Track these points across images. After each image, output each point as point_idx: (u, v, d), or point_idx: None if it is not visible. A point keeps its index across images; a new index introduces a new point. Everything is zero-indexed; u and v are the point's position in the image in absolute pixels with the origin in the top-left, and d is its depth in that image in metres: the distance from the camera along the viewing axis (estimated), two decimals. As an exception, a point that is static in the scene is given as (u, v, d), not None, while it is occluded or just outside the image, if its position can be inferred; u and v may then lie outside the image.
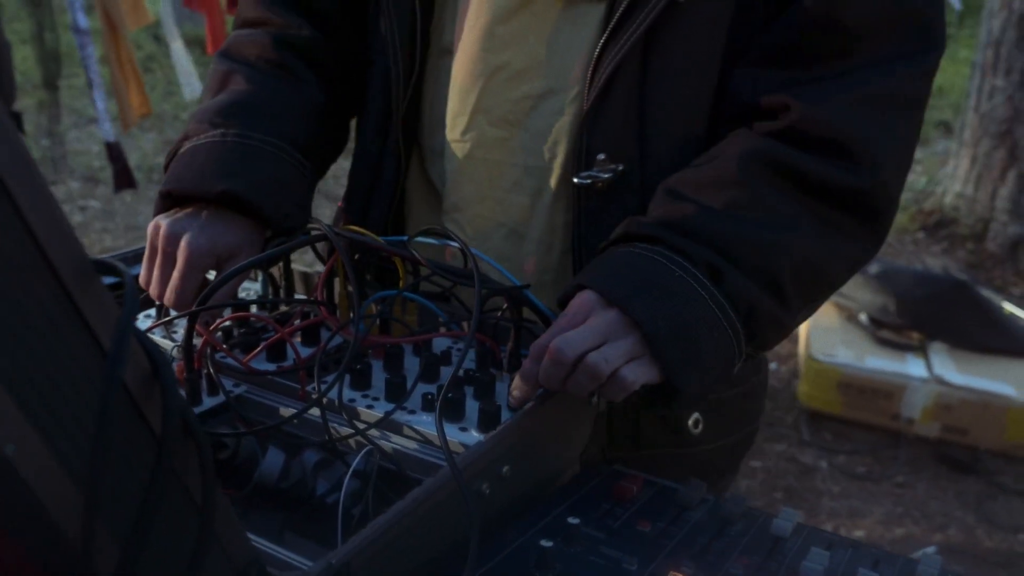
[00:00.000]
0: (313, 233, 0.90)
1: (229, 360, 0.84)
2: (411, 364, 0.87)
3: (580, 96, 0.89)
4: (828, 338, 3.06)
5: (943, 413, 2.85)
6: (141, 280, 0.91)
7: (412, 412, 0.78)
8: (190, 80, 4.07)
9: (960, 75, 6.12)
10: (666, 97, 0.87)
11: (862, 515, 2.60)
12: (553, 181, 0.93)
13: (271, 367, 0.84)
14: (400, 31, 0.95)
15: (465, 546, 0.62)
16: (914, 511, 2.62)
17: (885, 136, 0.83)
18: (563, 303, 0.82)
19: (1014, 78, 4.00)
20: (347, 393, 0.80)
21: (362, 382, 0.82)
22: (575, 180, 0.89)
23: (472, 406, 0.78)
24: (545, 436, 0.78)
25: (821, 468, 2.80)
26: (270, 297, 0.97)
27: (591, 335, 0.75)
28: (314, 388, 0.79)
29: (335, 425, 0.76)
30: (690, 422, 0.97)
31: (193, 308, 0.81)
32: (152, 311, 0.96)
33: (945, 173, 4.47)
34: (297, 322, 0.89)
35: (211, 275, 0.91)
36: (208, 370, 0.81)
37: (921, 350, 3.02)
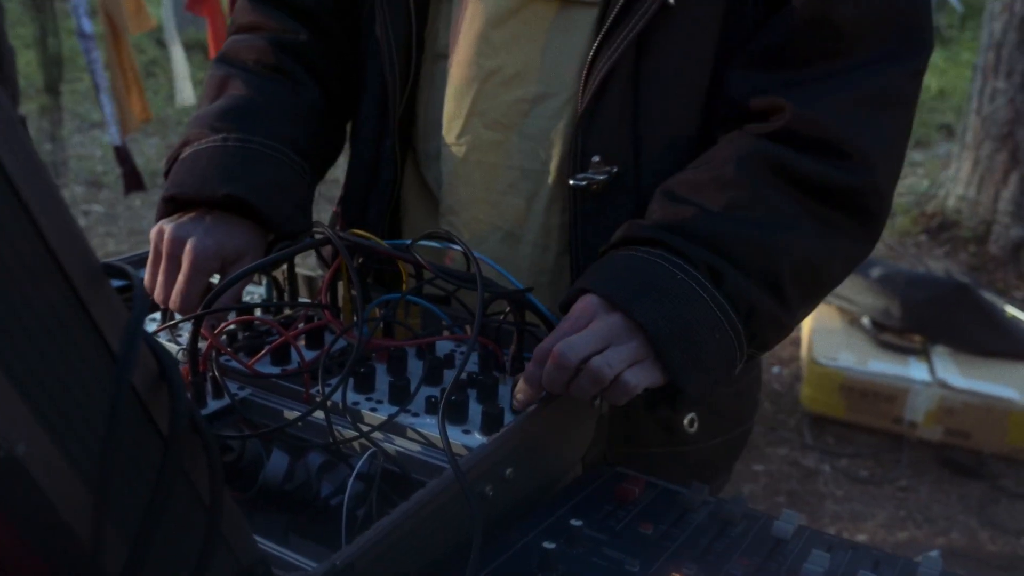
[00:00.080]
0: (317, 237, 0.90)
1: (234, 363, 0.84)
2: (414, 367, 0.87)
3: (574, 99, 0.90)
4: (830, 341, 3.06)
5: (946, 416, 2.85)
6: (146, 284, 0.91)
7: (416, 415, 0.79)
8: (184, 86, 4.09)
9: (962, 78, 6.12)
10: (659, 99, 0.88)
11: (865, 519, 2.60)
12: (548, 183, 0.94)
13: (275, 370, 0.84)
14: (396, 36, 0.96)
15: (468, 548, 0.62)
16: (917, 515, 2.62)
17: (877, 135, 0.84)
18: (565, 307, 0.82)
19: (1015, 80, 4.00)
20: (351, 396, 0.81)
21: (366, 385, 0.82)
22: (571, 182, 0.89)
23: (475, 409, 0.79)
24: (548, 439, 0.79)
25: (824, 471, 2.80)
26: (274, 301, 0.97)
27: (594, 339, 0.75)
28: (318, 391, 0.79)
29: (339, 428, 0.77)
30: (685, 421, 0.97)
31: (198, 312, 0.82)
32: (157, 315, 0.97)
33: (947, 176, 4.47)
34: (301, 325, 0.89)
35: (214, 279, 0.92)
36: (213, 373, 0.82)
37: (923, 353, 3.02)
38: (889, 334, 3.08)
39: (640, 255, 0.80)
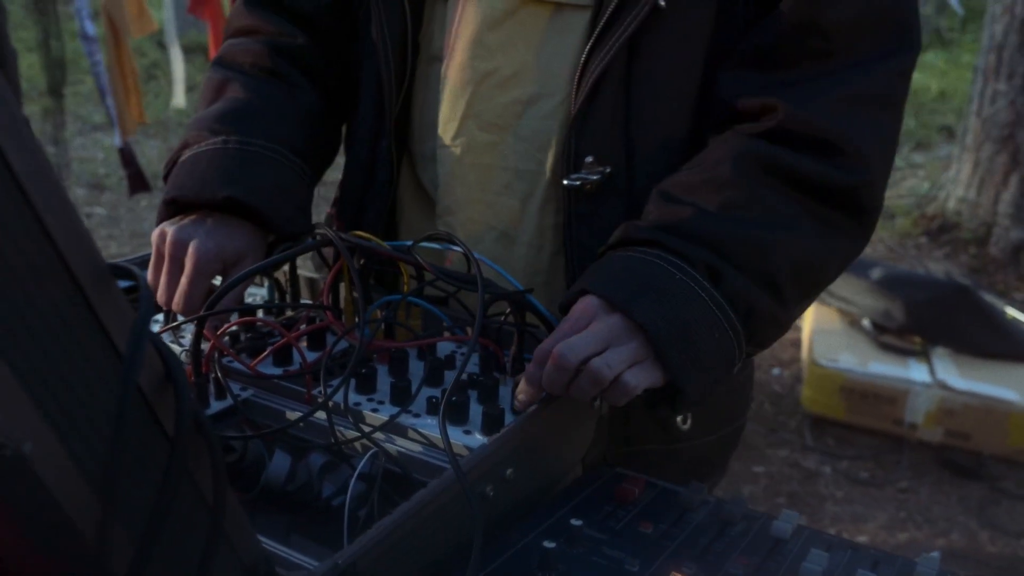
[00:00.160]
0: (319, 238, 0.91)
1: (236, 364, 0.85)
2: (416, 368, 0.88)
3: (568, 100, 0.91)
4: (831, 343, 3.06)
5: (946, 418, 2.85)
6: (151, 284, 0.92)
7: (417, 415, 0.79)
8: (177, 90, 4.11)
9: (963, 80, 6.12)
10: (651, 101, 0.89)
11: (865, 520, 2.60)
12: (542, 184, 0.95)
13: (277, 371, 0.85)
14: (392, 39, 0.97)
15: (469, 548, 0.62)
16: (917, 516, 2.62)
17: (868, 133, 0.85)
18: (565, 309, 0.83)
19: (1016, 83, 4.00)
20: (353, 397, 0.81)
21: (367, 386, 0.83)
22: (565, 182, 0.90)
23: (476, 410, 0.79)
24: (548, 439, 0.79)
25: (824, 473, 2.81)
26: (276, 302, 0.98)
27: (594, 340, 0.76)
28: (320, 392, 0.80)
29: (341, 428, 0.77)
30: (679, 419, 0.98)
31: (201, 313, 0.82)
32: (159, 316, 0.97)
33: (948, 178, 4.47)
34: (303, 327, 0.90)
35: (216, 281, 0.93)
36: (216, 374, 0.82)
37: (924, 355, 3.02)
38: (889, 336, 3.08)
39: (638, 256, 0.81)
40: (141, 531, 0.41)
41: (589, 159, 0.90)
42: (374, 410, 0.80)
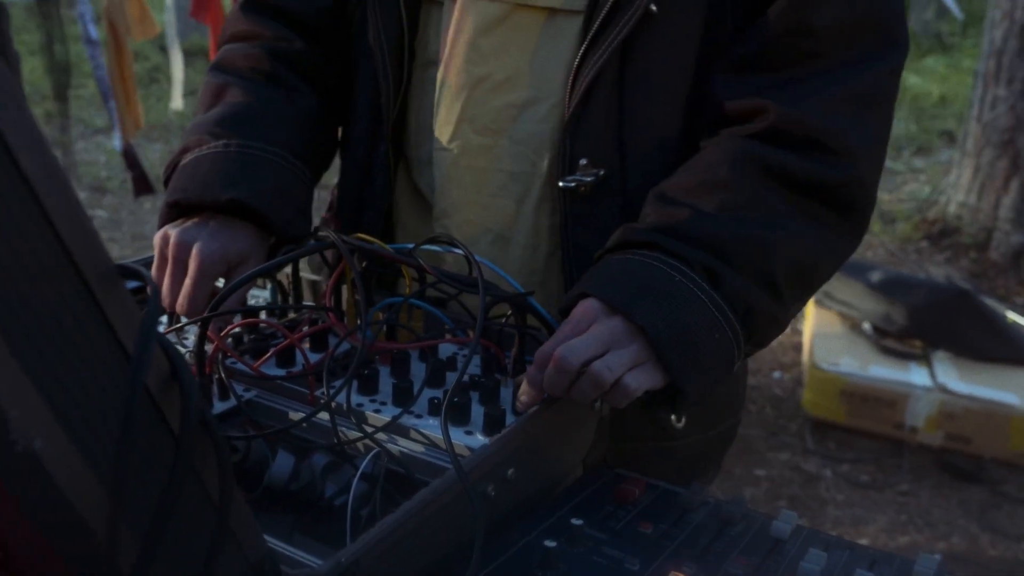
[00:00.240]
0: (322, 241, 0.92)
1: (240, 365, 0.85)
2: (417, 369, 0.88)
3: (561, 104, 0.92)
4: (832, 347, 3.07)
5: (947, 422, 2.85)
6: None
7: (419, 416, 0.80)
8: (175, 93, 4.12)
9: (963, 84, 6.13)
10: (643, 103, 0.91)
11: (866, 523, 2.60)
12: (537, 186, 0.96)
13: (281, 372, 0.86)
14: (388, 44, 0.98)
15: (471, 547, 0.63)
16: (918, 519, 2.62)
17: (860, 132, 0.87)
18: (565, 312, 0.84)
19: (1016, 88, 4.01)
20: (355, 398, 0.82)
21: (370, 387, 0.83)
22: (560, 184, 0.92)
23: (477, 410, 0.80)
24: (549, 440, 0.80)
25: (825, 476, 2.81)
26: (279, 304, 0.98)
27: (594, 343, 0.77)
28: (323, 393, 0.80)
29: (343, 429, 0.78)
30: (673, 416, 0.99)
31: (205, 314, 0.83)
32: (163, 318, 0.98)
33: (948, 182, 4.48)
34: (306, 328, 0.90)
35: (219, 283, 0.93)
36: (219, 375, 0.83)
37: (924, 359, 3.03)
38: (890, 339, 3.08)
39: (637, 258, 0.81)
40: (147, 527, 0.42)
41: (583, 161, 0.91)
42: (376, 411, 0.80)
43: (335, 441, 0.77)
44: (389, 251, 0.88)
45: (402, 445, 0.77)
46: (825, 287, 3.26)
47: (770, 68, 0.88)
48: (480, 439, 0.76)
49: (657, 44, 0.89)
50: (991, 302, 3.35)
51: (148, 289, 0.90)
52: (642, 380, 0.77)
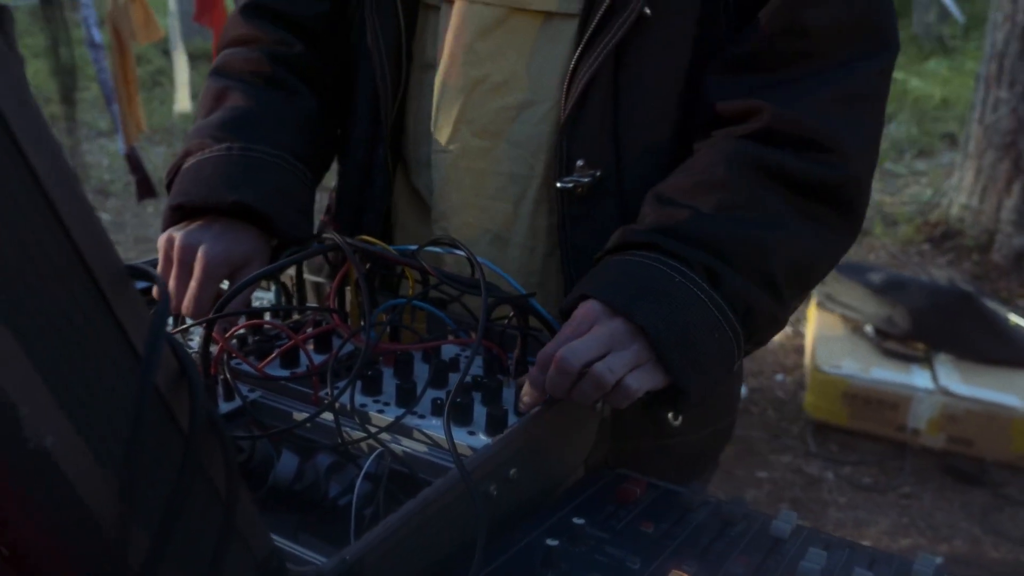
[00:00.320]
0: (325, 243, 0.92)
1: (244, 366, 0.86)
2: (420, 370, 0.89)
3: (558, 106, 0.93)
4: (834, 349, 3.07)
5: (949, 424, 2.85)
6: (158, 294, 0.93)
7: (422, 417, 0.80)
8: (182, 94, 4.14)
9: (965, 87, 6.13)
10: (638, 105, 0.92)
11: (868, 525, 2.61)
12: (534, 187, 0.97)
13: (285, 373, 0.86)
14: (387, 48, 0.99)
15: (473, 546, 0.64)
16: (920, 522, 2.63)
17: (854, 131, 0.88)
18: (566, 313, 0.84)
19: (1018, 90, 4.01)
20: (359, 398, 0.83)
21: (373, 388, 0.84)
22: (558, 185, 0.93)
23: (480, 411, 0.81)
24: (551, 440, 0.80)
25: (827, 479, 2.81)
26: (283, 305, 0.99)
27: (596, 345, 0.77)
28: (327, 393, 0.81)
29: (347, 429, 0.79)
30: (670, 414, 1.00)
31: (210, 316, 0.84)
32: (169, 319, 0.99)
33: (950, 185, 4.48)
34: (310, 330, 0.91)
35: (223, 285, 0.94)
36: (224, 376, 0.84)
37: (927, 361, 3.03)
38: (892, 342, 3.09)
39: (637, 259, 0.82)
40: (156, 524, 0.43)
41: (580, 163, 0.92)
42: (380, 411, 0.81)
43: (339, 441, 0.78)
44: (393, 253, 0.89)
45: (405, 445, 0.78)
46: (827, 290, 3.29)
47: (764, 68, 0.89)
48: (482, 439, 0.77)
49: (651, 46, 0.90)
50: (993, 304, 3.35)
51: (154, 290, 0.91)
52: (643, 381, 0.78)
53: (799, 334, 3.58)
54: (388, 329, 0.92)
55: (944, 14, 7.29)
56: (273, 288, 1.01)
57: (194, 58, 4.45)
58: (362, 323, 0.85)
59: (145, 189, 3.78)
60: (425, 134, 1.02)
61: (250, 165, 0.95)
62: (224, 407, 0.83)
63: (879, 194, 5.09)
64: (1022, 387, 2.88)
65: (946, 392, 2.86)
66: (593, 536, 0.72)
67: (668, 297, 0.79)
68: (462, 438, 0.77)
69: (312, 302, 1.05)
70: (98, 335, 0.39)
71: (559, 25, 0.93)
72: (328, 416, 0.79)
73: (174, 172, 0.99)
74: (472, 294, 0.88)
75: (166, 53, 6.56)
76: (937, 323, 3.06)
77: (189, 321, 0.92)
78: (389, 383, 0.85)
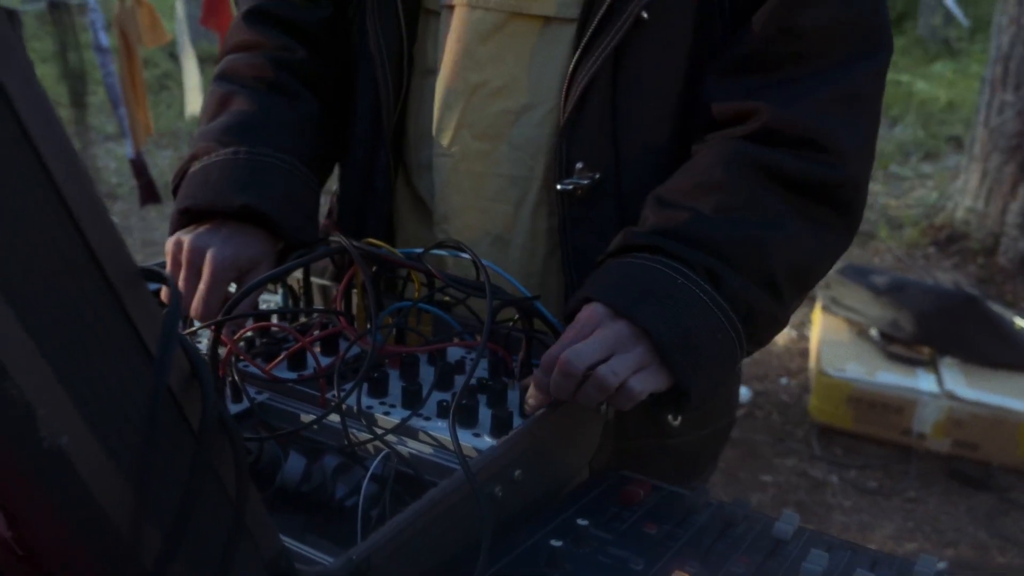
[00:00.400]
0: (332, 246, 0.93)
1: (252, 368, 0.87)
2: (426, 373, 0.90)
3: (557, 109, 0.94)
4: (839, 353, 3.07)
5: (954, 428, 2.85)
6: (166, 295, 0.94)
7: (427, 419, 0.81)
8: (193, 98, 4.15)
9: (971, 90, 6.13)
10: (637, 107, 0.93)
11: (873, 530, 2.60)
12: (534, 190, 0.98)
13: (292, 375, 0.87)
14: (388, 54, 1.00)
15: (478, 546, 0.64)
16: (925, 526, 2.62)
17: (850, 131, 0.89)
18: (569, 316, 0.85)
19: (1023, 93, 4.01)
20: (365, 400, 0.83)
21: (379, 390, 0.85)
22: (558, 187, 0.94)
23: (485, 413, 0.81)
24: (555, 442, 0.81)
25: (832, 483, 2.81)
26: (290, 308, 1.00)
27: (599, 347, 0.78)
28: (333, 395, 0.82)
29: (354, 431, 0.79)
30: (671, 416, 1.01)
31: (219, 318, 0.85)
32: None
33: (955, 188, 4.48)
34: (317, 332, 0.92)
35: (231, 288, 0.95)
36: (232, 378, 0.84)
37: (932, 365, 3.03)
38: (897, 345, 3.08)
39: (639, 262, 0.83)
40: (168, 523, 0.44)
41: (579, 165, 0.93)
42: (386, 413, 0.82)
43: (346, 443, 0.79)
44: (399, 256, 0.89)
45: (411, 447, 0.79)
46: (832, 293, 3.29)
47: (761, 70, 0.90)
48: (488, 441, 0.78)
49: (649, 49, 0.91)
50: (999, 308, 3.35)
51: (162, 293, 0.92)
52: (646, 383, 0.79)
53: (804, 337, 3.58)
54: (394, 332, 0.92)
55: (950, 17, 7.29)
56: (280, 291, 1.02)
57: (200, 61, 4.47)
58: (368, 326, 0.86)
59: (149, 194, 3.80)
60: (426, 138, 1.03)
61: (256, 169, 0.96)
62: (232, 409, 0.83)
63: (884, 197, 5.09)
64: (1028, 391, 2.88)
65: (951, 396, 2.86)
66: (597, 537, 0.73)
67: (671, 299, 0.80)
68: (467, 440, 0.77)
69: (318, 305, 1.06)
70: (112, 336, 0.40)
71: (558, 29, 0.94)
72: (335, 418, 0.79)
73: (180, 176, 1.00)
74: (477, 297, 0.89)
75: (172, 56, 6.58)
76: (942, 327, 3.06)
77: (197, 323, 0.93)
78: (395, 385, 0.86)
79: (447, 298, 0.98)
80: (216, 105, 1.04)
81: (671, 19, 0.90)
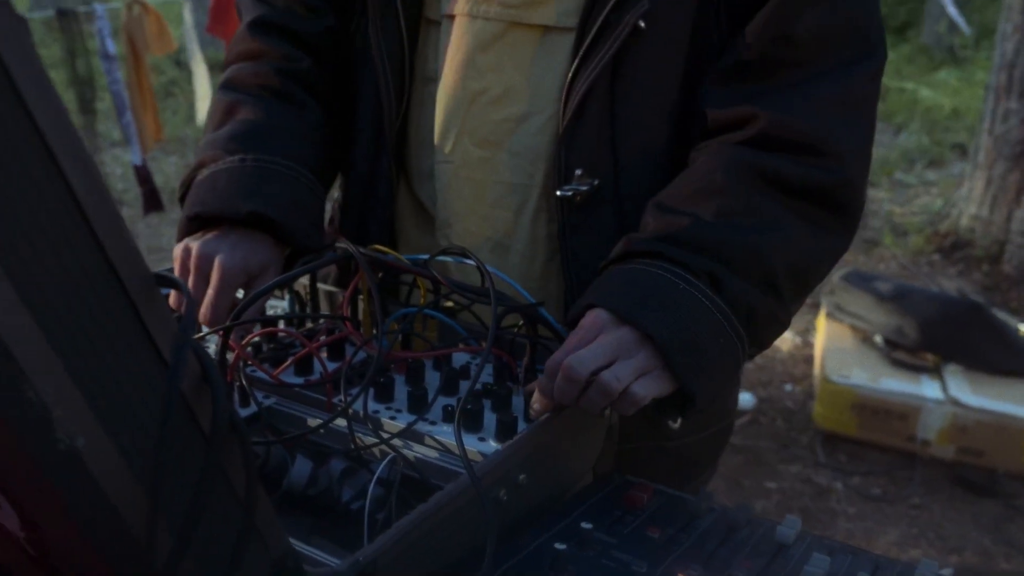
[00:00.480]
0: (338, 252, 0.94)
1: (259, 373, 0.88)
2: (432, 378, 0.91)
3: (556, 117, 0.96)
4: (843, 359, 3.07)
5: (959, 435, 2.85)
6: (174, 300, 0.95)
7: (433, 423, 0.82)
8: (203, 106, 4.18)
9: (975, 97, 6.13)
10: (634, 115, 0.94)
11: (877, 536, 2.60)
12: (534, 196, 0.99)
13: (299, 380, 0.88)
14: (390, 62, 1.02)
15: (483, 550, 0.65)
16: (930, 533, 2.62)
17: (847, 134, 0.90)
18: (573, 322, 0.86)
19: (1028, 101, 4.02)
20: (371, 405, 0.84)
21: (385, 394, 0.85)
22: (558, 193, 0.95)
23: (490, 417, 0.82)
24: (559, 447, 0.82)
25: (836, 489, 2.81)
26: (297, 313, 1.01)
27: (602, 353, 0.79)
28: (340, 400, 0.83)
29: (360, 435, 0.80)
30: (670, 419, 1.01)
31: (227, 323, 0.86)
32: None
33: (960, 195, 4.48)
34: (323, 337, 0.93)
35: (238, 294, 0.96)
36: (240, 382, 0.85)
37: (936, 372, 3.03)
38: (902, 352, 3.08)
39: (641, 268, 0.84)
40: (179, 523, 0.44)
41: (578, 171, 0.94)
42: (392, 418, 0.82)
43: (352, 447, 0.79)
44: (406, 263, 0.90)
45: (417, 451, 0.80)
46: (836, 300, 3.29)
47: (757, 76, 0.91)
48: (492, 445, 0.78)
49: (646, 58, 0.92)
50: (1003, 315, 3.35)
51: (172, 297, 0.93)
52: (650, 388, 0.79)
53: (808, 344, 3.58)
54: (400, 337, 0.93)
55: (954, 24, 7.29)
56: (287, 296, 1.03)
57: (208, 68, 4.50)
58: (374, 331, 0.87)
59: (152, 202, 3.82)
60: (427, 145, 1.04)
61: (263, 176, 0.98)
62: (240, 413, 0.84)
63: (889, 204, 5.09)
64: (1032, 398, 2.88)
65: (956, 403, 2.86)
66: (600, 541, 0.73)
67: (673, 304, 0.80)
68: (473, 444, 0.78)
69: (325, 310, 1.07)
70: (126, 340, 0.41)
71: (557, 39, 0.95)
72: (341, 422, 0.80)
73: (187, 184, 1.01)
74: (482, 303, 0.90)
75: (179, 64, 6.62)
76: (947, 334, 3.06)
77: (206, 329, 0.94)
78: (401, 390, 0.87)
79: (451, 303, 0.99)
80: (222, 114, 1.06)
81: (668, 28, 0.91)
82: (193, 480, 0.45)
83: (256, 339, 0.94)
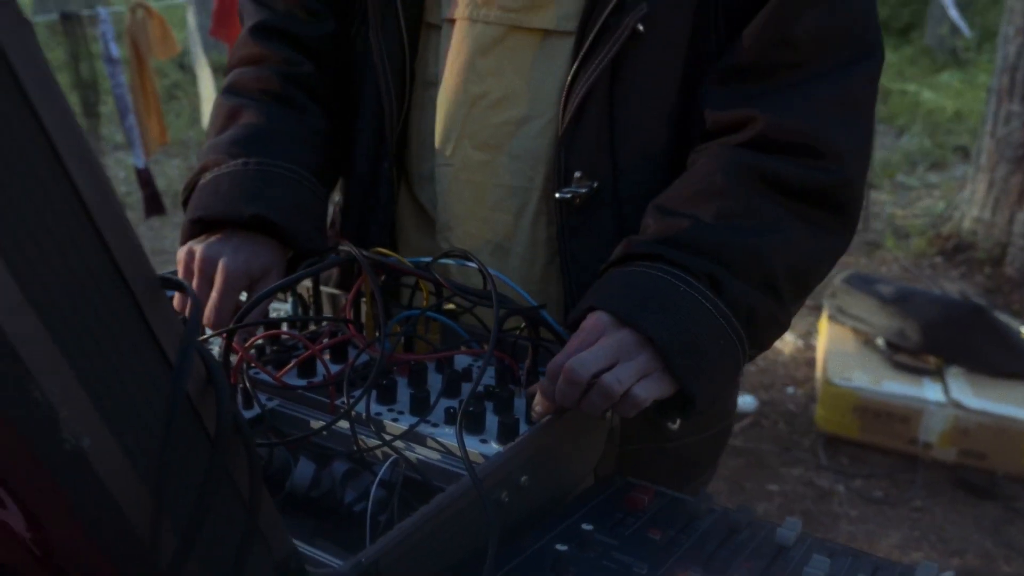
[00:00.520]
0: (341, 255, 0.95)
1: (263, 376, 0.88)
2: (434, 380, 0.91)
3: (556, 120, 0.96)
4: (845, 362, 3.07)
5: (960, 437, 2.85)
6: (177, 303, 0.96)
7: (435, 425, 0.82)
8: (207, 108, 4.19)
9: (978, 100, 6.13)
10: (633, 118, 0.95)
11: (879, 539, 2.60)
12: (534, 199, 1.00)
13: (302, 382, 0.89)
14: (391, 66, 1.02)
15: (485, 552, 0.65)
16: (931, 535, 2.62)
17: (845, 135, 0.90)
18: (574, 325, 0.86)
19: (1030, 103, 4.02)
20: (374, 407, 0.85)
21: (388, 397, 0.86)
22: (557, 195, 0.95)
23: (492, 420, 0.82)
24: (561, 449, 0.82)
25: (838, 492, 2.81)
26: (300, 315, 1.02)
27: (603, 355, 0.79)
28: (343, 402, 0.83)
29: (363, 437, 0.81)
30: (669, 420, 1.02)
31: (231, 326, 0.86)
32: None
33: (962, 198, 4.48)
34: (326, 340, 0.93)
35: (242, 296, 0.96)
36: (244, 385, 0.86)
37: (938, 374, 3.02)
38: (904, 355, 3.08)
39: (641, 270, 0.84)
40: (184, 524, 0.45)
41: (578, 174, 0.95)
42: (394, 420, 0.83)
43: (354, 449, 0.80)
44: (408, 265, 0.91)
45: (419, 453, 0.80)
46: (838, 302, 3.29)
47: (755, 78, 0.91)
48: (494, 447, 0.79)
49: (645, 61, 0.93)
50: (1005, 318, 3.34)
51: (176, 300, 0.93)
52: (651, 390, 0.80)
53: (810, 347, 3.58)
54: (402, 340, 0.94)
55: (954, 28, 7.29)
56: (290, 299, 1.04)
57: (211, 71, 4.51)
58: (377, 334, 0.88)
59: (153, 206, 3.82)
60: (428, 148, 1.05)
61: (266, 179, 0.98)
62: (244, 415, 0.85)
63: (891, 207, 5.09)
64: (1034, 400, 2.88)
65: (958, 405, 2.86)
66: (602, 542, 0.74)
67: (674, 306, 0.81)
68: (474, 446, 0.79)
69: (327, 313, 1.08)
70: (132, 342, 0.42)
71: (556, 42, 0.96)
72: (344, 424, 0.81)
73: (191, 188, 1.02)
74: (484, 305, 0.90)
75: (182, 67, 6.64)
76: (949, 336, 3.06)
77: (209, 331, 0.94)
78: (403, 392, 0.87)
79: (453, 306, 0.99)
80: (224, 118, 1.06)
81: (666, 32, 0.92)
82: (197, 481, 0.45)
83: (259, 341, 0.94)
